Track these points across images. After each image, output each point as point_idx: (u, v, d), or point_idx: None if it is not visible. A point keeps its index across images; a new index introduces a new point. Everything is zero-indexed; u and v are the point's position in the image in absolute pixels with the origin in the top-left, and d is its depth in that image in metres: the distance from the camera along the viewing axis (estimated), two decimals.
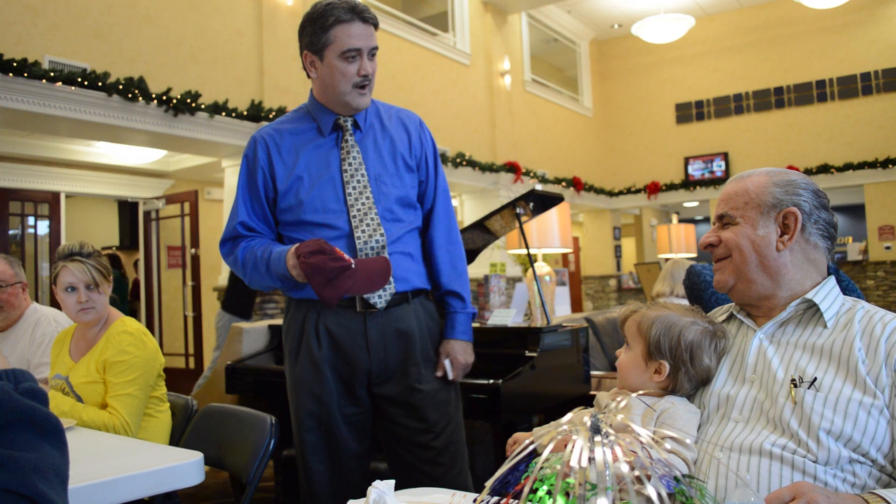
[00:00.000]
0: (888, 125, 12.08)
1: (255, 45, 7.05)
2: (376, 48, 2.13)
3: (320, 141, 2.18)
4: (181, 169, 8.40)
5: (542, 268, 4.02)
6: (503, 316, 3.21)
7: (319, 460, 2.19)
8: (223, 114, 6.41)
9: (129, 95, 5.63)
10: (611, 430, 0.65)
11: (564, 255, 13.79)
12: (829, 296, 1.38)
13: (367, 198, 2.12)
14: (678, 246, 7.61)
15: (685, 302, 3.87)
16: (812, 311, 1.38)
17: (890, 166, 11.84)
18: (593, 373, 3.51)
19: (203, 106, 6.21)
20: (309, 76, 2.18)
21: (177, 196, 8.31)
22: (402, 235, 2.18)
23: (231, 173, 7.20)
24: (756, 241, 1.40)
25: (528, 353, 2.96)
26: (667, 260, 5.70)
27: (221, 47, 6.74)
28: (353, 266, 1.91)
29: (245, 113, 6.61)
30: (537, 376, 2.95)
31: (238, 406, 2.42)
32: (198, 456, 1.77)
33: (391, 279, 2.10)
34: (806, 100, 12.90)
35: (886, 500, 1.09)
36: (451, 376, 2.21)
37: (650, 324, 1.42)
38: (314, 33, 2.09)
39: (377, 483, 1.14)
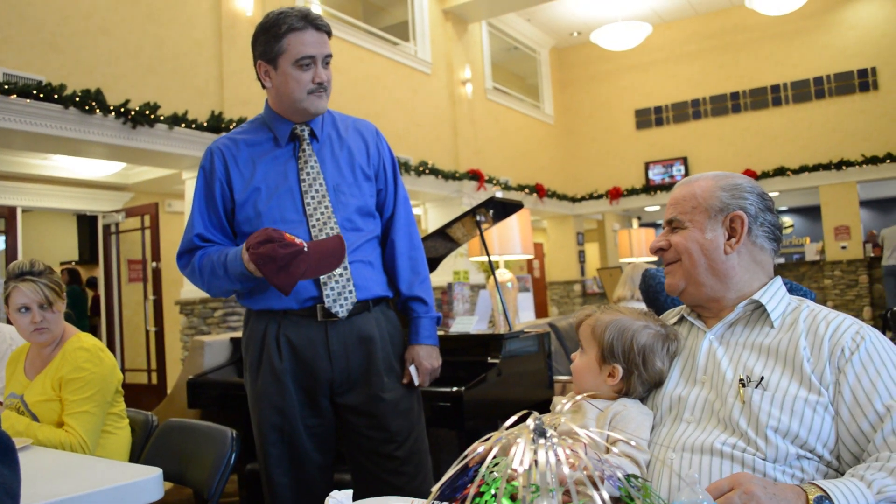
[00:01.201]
0: (841, 128, 12.36)
1: (215, 56, 7.00)
2: (330, 55, 2.15)
3: (277, 152, 2.17)
4: (141, 181, 8.29)
5: (503, 274, 4.04)
6: (465, 323, 3.22)
7: (283, 472, 2.16)
8: (183, 125, 6.35)
9: (87, 108, 5.56)
10: (554, 433, 0.66)
11: (529, 262, 13.86)
12: (775, 296, 1.42)
13: (327, 207, 2.11)
14: (639, 250, 7.71)
15: (644, 305, 3.92)
16: (759, 312, 1.41)
17: (844, 168, 12.12)
18: (557, 378, 3.53)
19: (162, 118, 6.15)
20: (264, 86, 2.17)
21: (137, 209, 8.20)
22: (362, 244, 2.18)
23: (192, 185, 7.12)
24: (704, 244, 1.43)
25: (490, 360, 2.97)
26: (628, 264, 5.76)
27: (180, 58, 6.68)
28: (304, 249, 1.87)
29: (205, 124, 6.55)
30: (501, 383, 2.97)
31: (199, 420, 2.39)
32: (157, 472, 1.75)
33: (345, 269, 2.11)
34: (761, 104, 13.15)
35: (824, 490, 1.12)
36: (416, 382, 2.21)
37: (604, 328, 1.44)
38: (267, 42, 2.09)
39: (335, 493, 1.14)
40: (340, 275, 2.10)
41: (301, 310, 2.11)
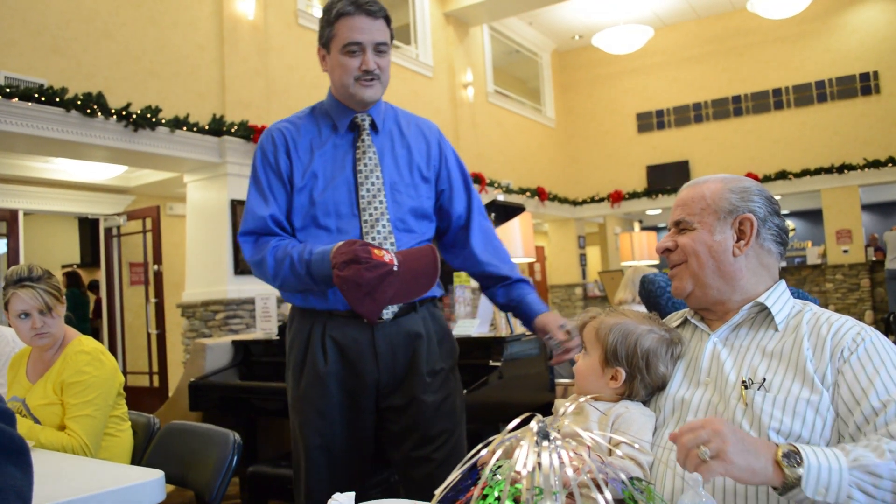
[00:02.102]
0: (843, 131, 12.36)
1: (217, 60, 7.01)
2: (384, 43, 2.04)
3: (336, 140, 2.10)
4: (142, 185, 8.30)
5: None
6: (467, 326, 3.22)
7: (320, 477, 2.09)
8: (184, 128, 6.35)
9: (88, 111, 5.56)
10: (558, 436, 0.66)
11: (531, 265, 13.86)
12: (780, 299, 1.41)
13: (381, 202, 2.04)
14: (640, 253, 7.71)
15: (645, 309, 3.92)
16: (764, 315, 1.41)
17: (845, 172, 12.11)
18: (559, 381, 3.53)
19: (164, 121, 6.16)
20: (324, 70, 2.12)
21: (138, 212, 8.20)
22: (414, 246, 2.09)
23: (193, 188, 7.14)
24: (713, 246, 1.42)
25: (492, 363, 2.97)
26: (629, 267, 5.76)
27: (182, 62, 6.69)
28: (394, 269, 1.68)
29: (206, 127, 6.56)
30: (502, 385, 2.96)
31: (201, 423, 2.39)
32: (158, 474, 1.76)
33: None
34: (763, 108, 13.15)
35: (795, 447, 1.11)
36: (574, 339, 1.99)
37: (608, 331, 1.44)
38: (322, 27, 2.05)
39: (337, 496, 1.14)
40: None
41: (347, 311, 2.02)
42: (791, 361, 1.31)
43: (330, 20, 2.01)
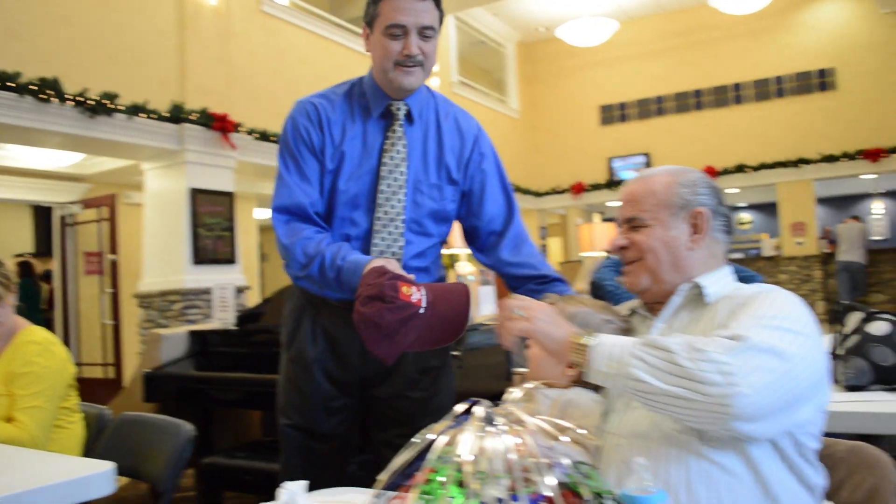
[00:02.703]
0: (800, 126, 12.59)
1: (177, 46, 6.89)
2: (431, 28, 1.88)
3: (368, 124, 1.97)
4: (99, 172, 8.14)
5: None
6: None
7: (298, 454, 2.06)
8: (143, 115, 6.24)
9: (43, 96, 5.43)
10: (502, 421, 0.66)
11: None
12: (718, 281, 1.42)
13: (399, 200, 1.93)
14: (600, 244, 7.78)
15: None
16: (701, 295, 1.42)
17: (801, 166, 12.35)
18: (516, 370, 3.55)
19: (121, 107, 6.03)
20: (367, 50, 1.98)
21: (94, 200, 8.05)
22: (427, 250, 2.03)
23: (152, 176, 7.02)
24: (669, 242, 1.43)
25: (452, 353, 2.97)
26: (589, 258, 5.80)
27: (141, 48, 6.56)
28: (420, 311, 1.50)
29: (166, 114, 6.45)
30: (463, 375, 2.97)
31: (154, 414, 2.36)
32: (109, 466, 1.73)
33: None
34: (723, 102, 13.34)
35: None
36: None
37: (568, 318, 1.45)
38: (368, 5, 1.91)
39: (288, 484, 1.13)
40: None
41: (340, 301, 1.93)
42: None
43: None
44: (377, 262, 1.70)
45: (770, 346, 1.14)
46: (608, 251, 1.59)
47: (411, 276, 1.61)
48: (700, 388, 1.10)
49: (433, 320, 1.50)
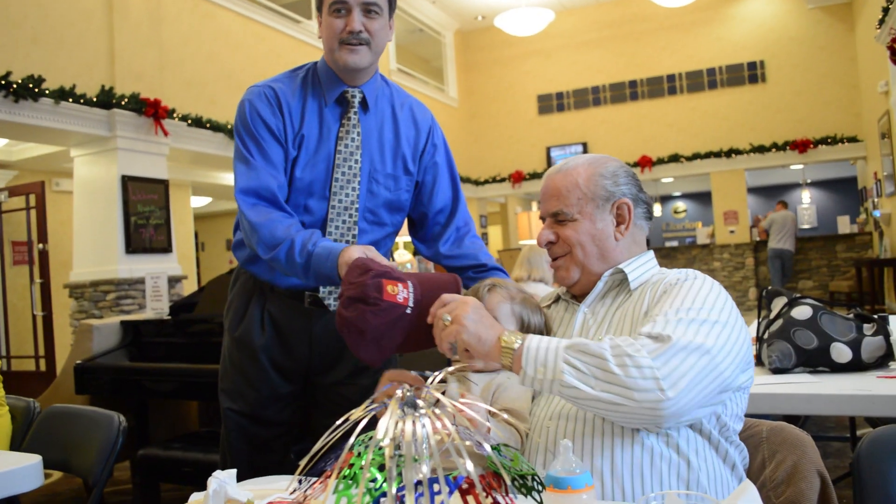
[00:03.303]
0: (732, 117, 12.93)
1: (105, 28, 6.69)
2: (374, 4, 1.86)
3: (324, 111, 1.95)
4: (25, 159, 7.88)
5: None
6: None
7: (242, 439, 2.05)
8: (70, 100, 6.05)
9: None
10: (423, 404, 0.67)
11: None
12: (641, 266, 1.47)
13: (354, 189, 1.92)
14: (537, 232, 7.88)
15: (541, 285, 4.01)
16: (625, 282, 1.47)
17: (733, 156, 12.71)
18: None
19: (48, 91, 5.84)
20: (319, 37, 1.96)
21: (21, 188, 7.78)
22: (381, 240, 2.03)
23: (81, 162, 6.82)
24: (596, 234, 1.46)
25: None
26: (525, 246, 5.87)
27: (67, 29, 6.36)
28: (407, 311, 1.37)
29: (95, 99, 6.27)
30: (406, 360, 2.98)
31: (85, 406, 2.32)
32: (36, 459, 1.70)
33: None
34: (658, 93, 13.60)
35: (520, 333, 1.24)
36: None
37: (495, 307, 1.48)
38: None
39: (217, 473, 1.13)
40: None
41: (286, 289, 1.96)
42: (636, 320, 1.37)
43: None
44: (356, 253, 1.58)
45: (694, 345, 1.18)
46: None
47: (395, 266, 1.50)
48: (630, 394, 1.14)
49: (422, 319, 1.35)
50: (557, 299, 1.61)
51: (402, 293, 1.38)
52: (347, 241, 1.92)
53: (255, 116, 1.88)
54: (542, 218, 1.55)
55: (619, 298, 1.46)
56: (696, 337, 1.19)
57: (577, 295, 1.55)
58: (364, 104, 1.97)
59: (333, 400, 2.06)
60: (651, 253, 1.53)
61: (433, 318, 1.26)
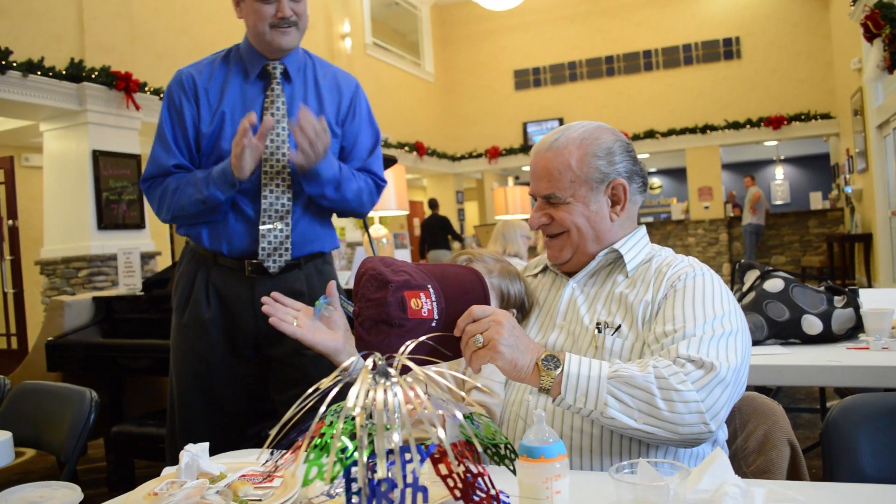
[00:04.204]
0: (706, 94, 12.98)
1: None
2: None
3: (246, 86, 2.06)
4: None
5: (378, 230, 4.04)
6: (339, 278, 3.20)
7: (197, 420, 2.09)
8: (39, 73, 5.93)
9: None
10: (395, 374, 0.67)
11: (409, 219, 13.91)
12: (635, 246, 1.45)
13: (284, 154, 2.01)
14: (514, 207, 7.90)
15: (516, 260, 4.03)
16: (620, 261, 1.44)
17: (708, 132, 12.78)
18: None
19: (15, 64, 5.72)
20: (239, 17, 2.07)
21: None
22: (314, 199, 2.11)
23: (51, 137, 6.71)
24: (591, 217, 1.42)
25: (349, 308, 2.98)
26: (501, 221, 5.88)
27: (35, 1, 6.22)
28: (432, 325, 1.21)
29: (64, 72, 6.15)
30: None
31: (56, 382, 2.29)
32: (6, 435, 1.68)
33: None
34: (634, 69, 13.62)
35: (559, 355, 1.19)
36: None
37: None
38: None
39: (190, 447, 1.12)
40: (281, 230, 2.02)
41: (231, 258, 2.03)
42: (631, 310, 1.35)
43: None
44: (367, 262, 1.31)
45: (732, 372, 1.19)
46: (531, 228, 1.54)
47: (404, 264, 1.29)
48: (675, 428, 1.15)
49: (447, 330, 1.23)
50: (545, 269, 1.58)
51: (426, 305, 1.22)
52: (283, 204, 2.01)
53: (169, 101, 2.05)
54: (533, 196, 1.51)
55: (611, 277, 1.44)
56: (729, 358, 1.20)
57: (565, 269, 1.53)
58: (286, 75, 2.08)
59: (286, 373, 2.10)
60: (643, 229, 1.50)
61: (460, 332, 1.17)
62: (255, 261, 2.02)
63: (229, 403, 2.10)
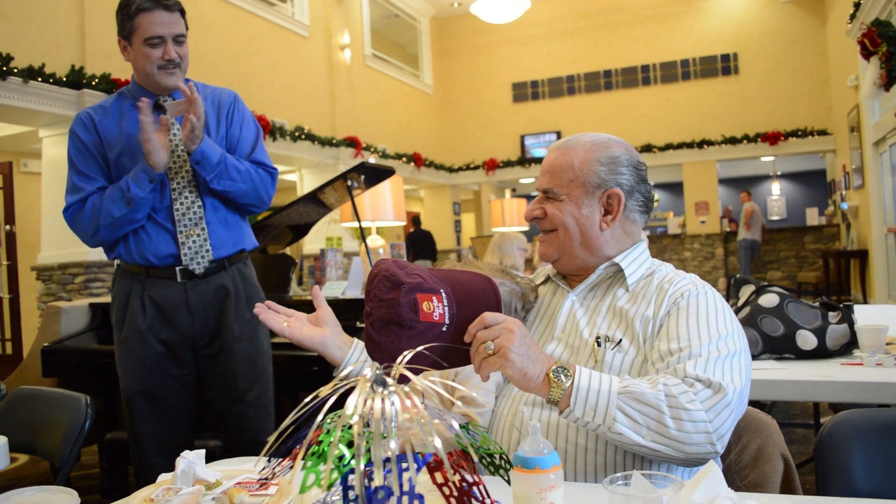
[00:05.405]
0: (704, 108, 13.04)
1: (76, 6, 6.57)
2: (181, 34, 2.26)
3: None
4: None
5: (375, 241, 4.05)
6: (335, 288, 3.22)
7: (145, 424, 2.30)
8: (39, 79, 5.94)
9: None
10: (393, 383, 0.68)
11: (406, 230, 13.93)
12: (636, 260, 1.46)
13: (188, 171, 2.28)
14: (510, 219, 7.92)
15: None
16: (620, 274, 1.45)
17: (705, 147, 12.84)
18: None
19: (16, 70, 5.73)
20: (126, 60, 2.28)
21: None
22: (220, 206, 2.35)
23: (50, 143, 6.71)
24: (580, 219, 1.43)
25: (360, 325, 2.98)
26: (498, 233, 5.89)
27: (36, 6, 6.23)
28: (443, 329, 1.20)
29: (64, 79, 6.16)
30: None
31: (51, 388, 2.29)
32: (1, 440, 1.68)
33: None
34: (632, 83, 13.68)
35: (570, 367, 1.19)
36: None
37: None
38: (122, 21, 2.22)
39: (186, 453, 1.12)
40: (198, 235, 2.27)
41: (161, 268, 2.27)
42: (631, 326, 1.36)
43: (130, 14, 2.18)
44: (380, 264, 1.28)
45: (737, 394, 1.20)
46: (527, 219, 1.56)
47: (418, 268, 1.26)
48: (682, 447, 1.16)
49: (457, 336, 1.21)
50: (547, 279, 1.59)
51: (438, 309, 1.21)
52: (195, 213, 2.27)
53: (74, 140, 2.29)
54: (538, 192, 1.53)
55: (611, 291, 1.44)
56: (734, 380, 1.21)
57: (565, 276, 1.54)
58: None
59: (206, 376, 2.36)
60: (644, 244, 1.50)
61: (471, 338, 1.16)
62: (180, 267, 2.27)
63: (173, 406, 2.32)
